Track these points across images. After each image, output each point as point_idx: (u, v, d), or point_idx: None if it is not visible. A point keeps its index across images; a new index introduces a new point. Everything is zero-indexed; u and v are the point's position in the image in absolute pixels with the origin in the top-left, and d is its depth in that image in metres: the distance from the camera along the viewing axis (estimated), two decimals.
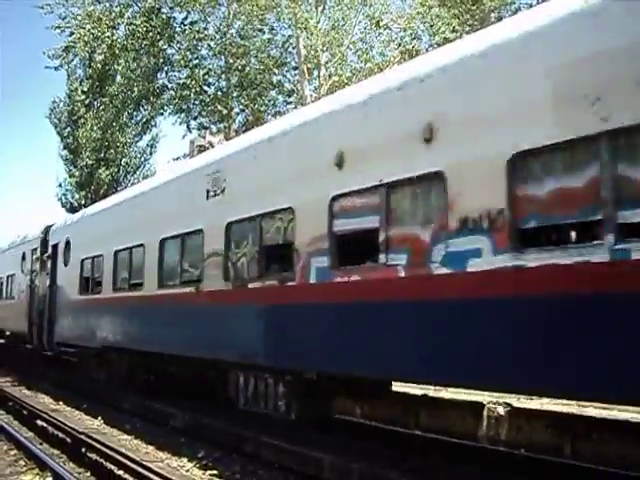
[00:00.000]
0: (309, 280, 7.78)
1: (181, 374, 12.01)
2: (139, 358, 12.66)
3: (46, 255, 18.67)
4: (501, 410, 8.77)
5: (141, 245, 12.38)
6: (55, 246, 17.90)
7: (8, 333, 22.93)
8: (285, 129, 8.84)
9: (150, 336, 11.87)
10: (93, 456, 8.82)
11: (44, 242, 19.02)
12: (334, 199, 7.50)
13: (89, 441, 9.30)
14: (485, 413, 8.88)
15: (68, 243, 16.90)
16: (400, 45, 23.04)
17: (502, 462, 7.73)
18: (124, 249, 13.24)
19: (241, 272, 9.35)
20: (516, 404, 8.98)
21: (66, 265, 16.84)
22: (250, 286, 8.97)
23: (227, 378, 9.75)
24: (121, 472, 7.99)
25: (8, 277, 23.31)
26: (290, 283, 8.10)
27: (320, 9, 23.84)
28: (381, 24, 23.12)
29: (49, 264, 18.32)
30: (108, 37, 26.22)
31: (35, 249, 19.80)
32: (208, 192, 10.20)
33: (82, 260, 15.59)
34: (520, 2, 22.16)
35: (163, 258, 11.55)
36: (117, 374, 13.84)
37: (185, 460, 8.74)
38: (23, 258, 21.09)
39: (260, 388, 8.99)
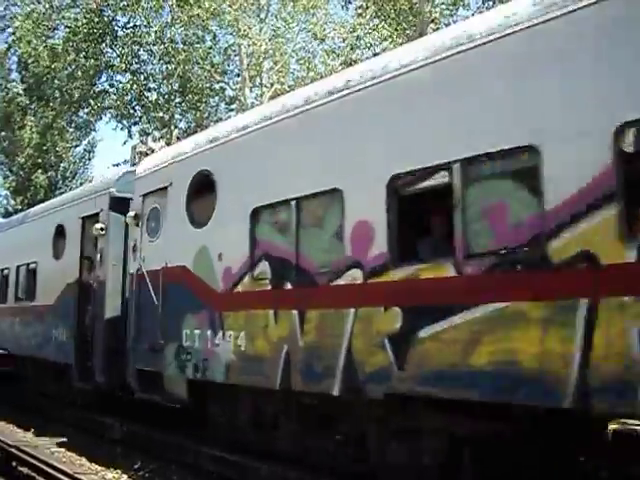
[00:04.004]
0: None
1: None
2: None
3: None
4: None
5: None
6: None
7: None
8: None
9: None
10: (24, 470, 8.61)
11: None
12: None
13: (20, 454, 9.02)
14: None
15: None
16: (339, 55, 23.29)
17: None
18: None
19: None
20: None
21: None
22: None
23: None
24: None
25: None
26: None
27: (263, 16, 23.87)
28: (319, 35, 23.32)
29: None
30: (48, 37, 25.66)
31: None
32: None
33: None
34: (457, 16, 22.62)
35: None
36: None
37: (120, 471, 8.59)
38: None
39: None
